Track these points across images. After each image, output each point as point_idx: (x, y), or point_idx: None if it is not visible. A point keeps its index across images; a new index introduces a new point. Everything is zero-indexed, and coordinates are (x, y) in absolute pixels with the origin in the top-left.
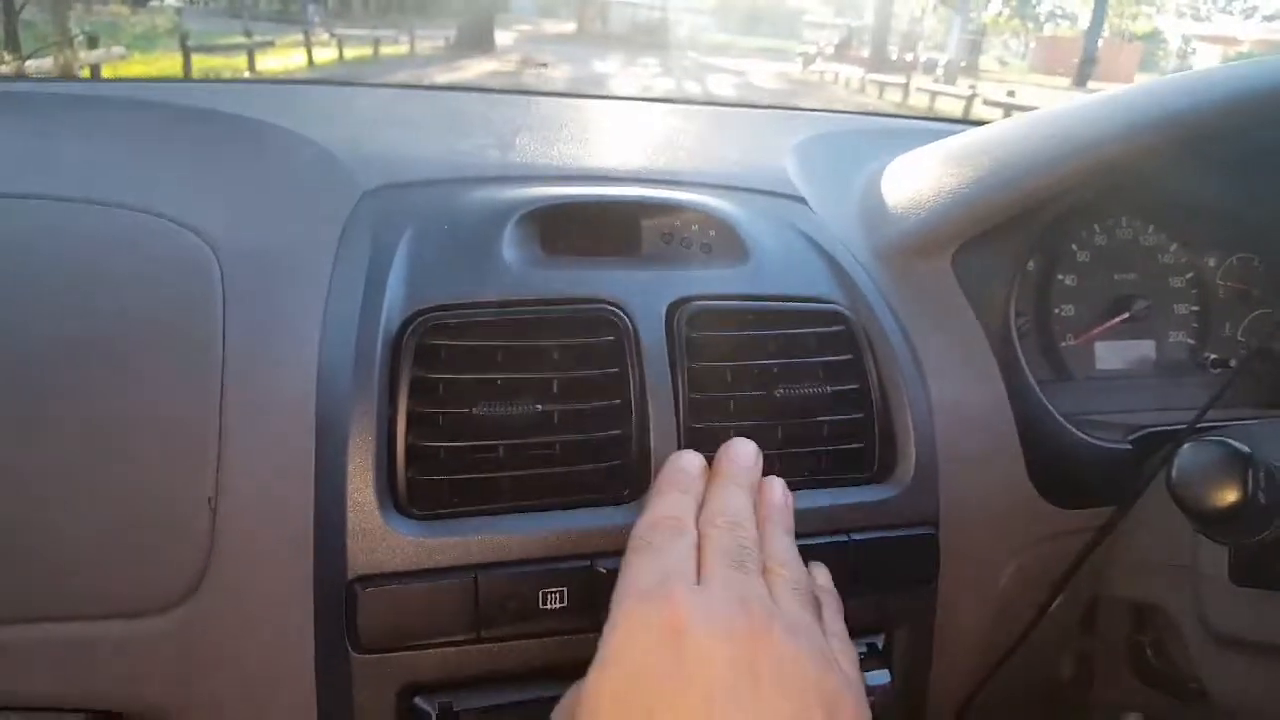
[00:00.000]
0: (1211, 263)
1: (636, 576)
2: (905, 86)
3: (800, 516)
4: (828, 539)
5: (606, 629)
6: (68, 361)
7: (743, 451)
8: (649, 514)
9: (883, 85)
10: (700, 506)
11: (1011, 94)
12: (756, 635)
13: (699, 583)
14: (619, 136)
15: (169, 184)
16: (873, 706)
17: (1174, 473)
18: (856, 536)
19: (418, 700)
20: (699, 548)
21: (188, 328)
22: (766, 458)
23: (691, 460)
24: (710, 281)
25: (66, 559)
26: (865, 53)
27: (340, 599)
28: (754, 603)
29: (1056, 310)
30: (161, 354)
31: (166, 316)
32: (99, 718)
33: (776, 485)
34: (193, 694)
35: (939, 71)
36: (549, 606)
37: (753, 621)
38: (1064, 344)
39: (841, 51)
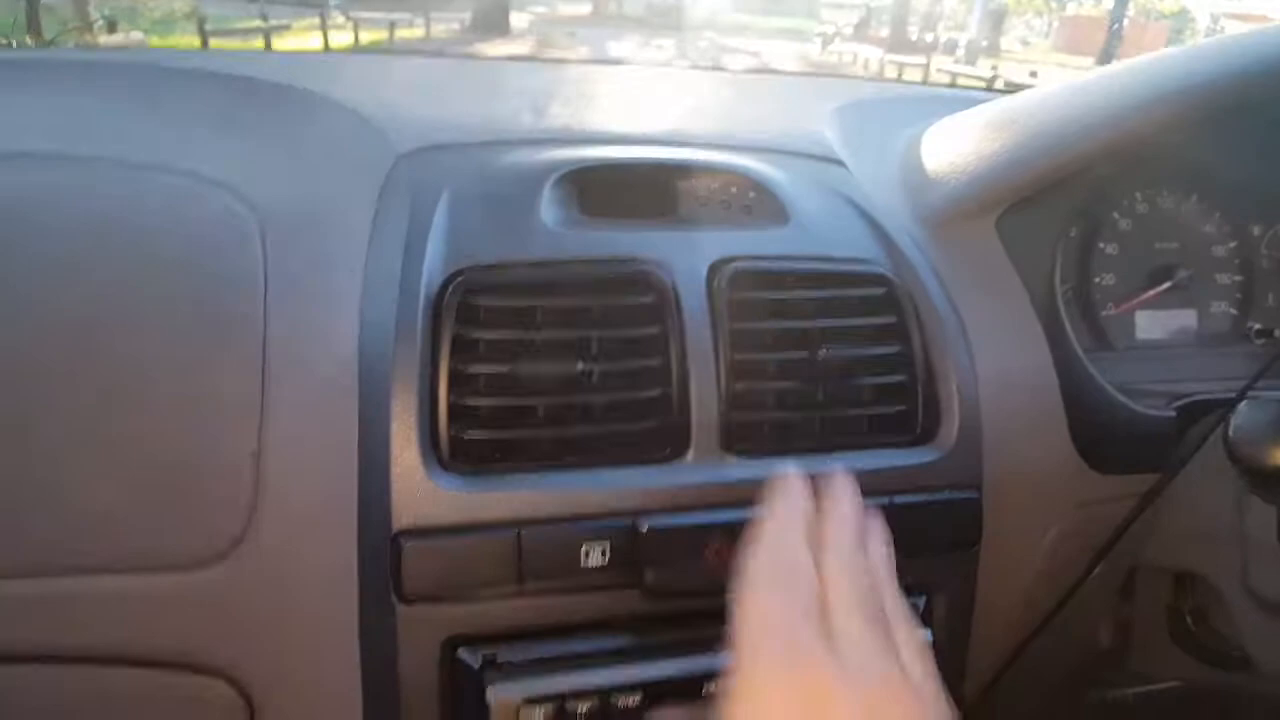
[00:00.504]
0: (1255, 232)
1: (766, 619)
2: (925, 68)
3: None
4: (870, 501)
5: (738, 663)
6: (108, 319)
7: (844, 496)
8: (768, 547)
9: (901, 66)
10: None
11: (1034, 74)
12: (887, 699)
13: (829, 629)
14: (653, 101)
15: (203, 147)
16: None
17: (1231, 430)
18: (899, 499)
19: (461, 652)
20: (822, 589)
21: (228, 287)
22: (807, 420)
23: (798, 485)
24: (751, 242)
25: (108, 512)
26: (885, 33)
27: (385, 552)
28: (885, 662)
29: (1097, 279)
30: (202, 312)
31: (207, 276)
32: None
33: (879, 535)
34: (236, 647)
35: (959, 52)
36: (590, 563)
37: (886, 684)
38: (1105, 313)
39: (861, 32)
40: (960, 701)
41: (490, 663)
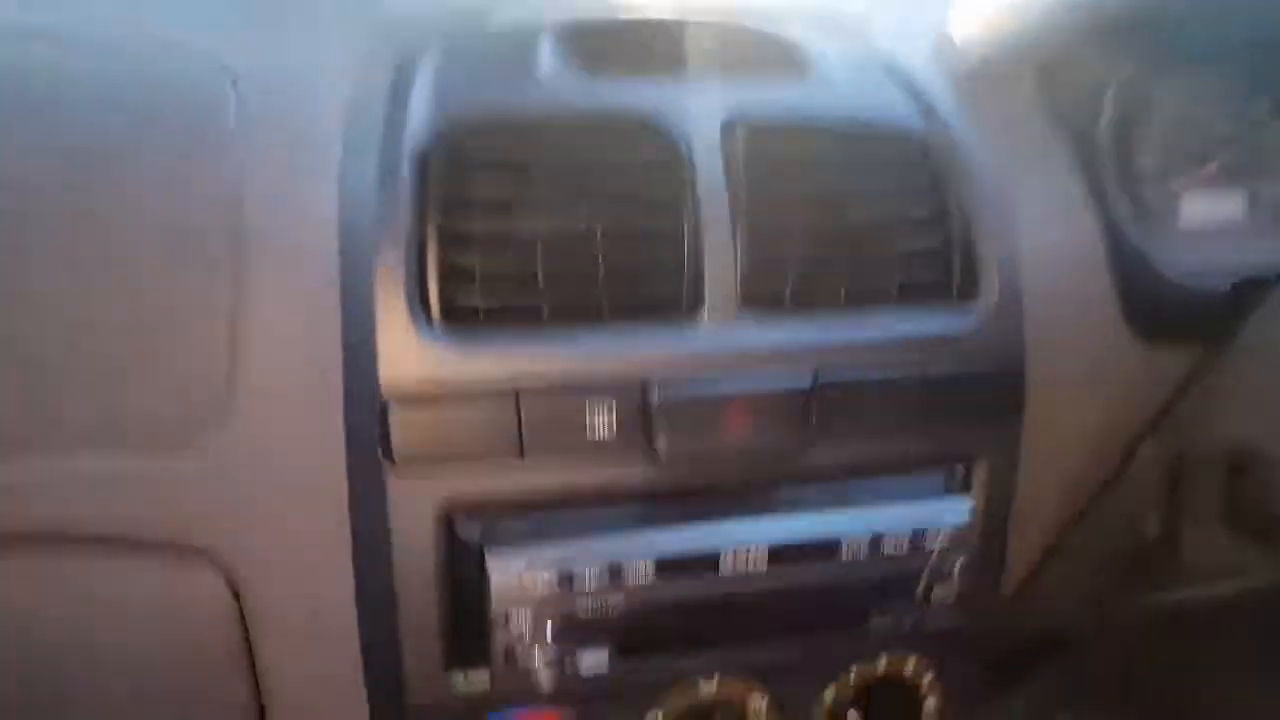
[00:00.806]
0: None
1: None
2: None
3: (876, 346)
4: (904, 369)
5: None
6: (73, 187)
7: None
8: None
9: None
10: None
11: None
12: None
13: None
14: None
15: (175, 10)
16: (954, 540)
17: None
18: (935, 369)
19: (457, 523)
20: None
21: (200, 152)
22: (833, 285)
23: None
24: (769, 96)
25: (79, 386)
26: None
27: (373, 417)
28: None
29: (1141, 158)
30: (173, 179)
31: (177, 141)
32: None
33: None
34: (219, 526)
35: None
36: (597, 431)
37: None
38: (1149, 194)
39: None
40: (1000, 588)
41: (489, 534)
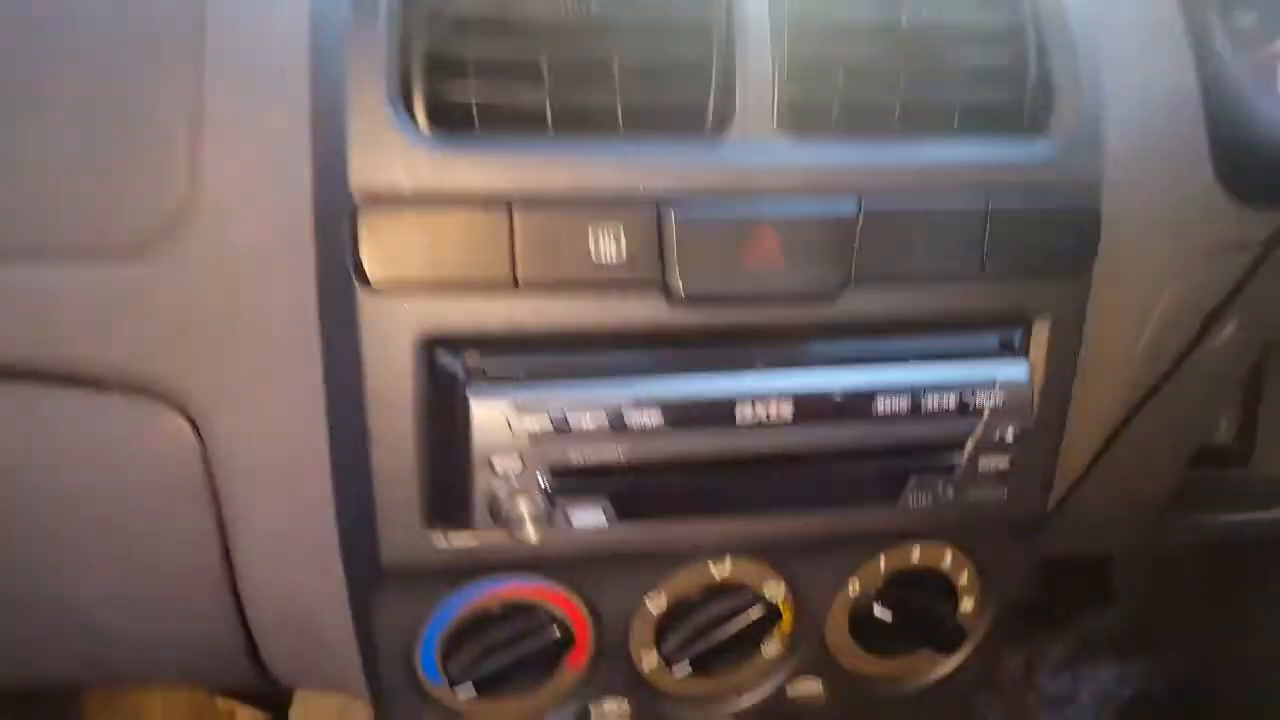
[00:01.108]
0: None
1: None
2: None
3: (933, 171)
4: (963, 202)
5: None
6: None
7: None
8: None
9: None
10: None
11: None
12: None
13: None
14: None
15: None
16: (1007, 402)
17: None
18: (999, 200)
19: (440, 355)
20: None
21: None
22: (886, 99)
23: None
24: None
25: (24, 193)
26: None
27: (345, 224)
28: None
29: (1232, 17)
30: None
31: None
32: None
33: None
34: (178, 346)
35: None
36: (602, 256)
37: None
38: (1241, 59)
39: None
40: (1053, 475)
41: (476, 373)
